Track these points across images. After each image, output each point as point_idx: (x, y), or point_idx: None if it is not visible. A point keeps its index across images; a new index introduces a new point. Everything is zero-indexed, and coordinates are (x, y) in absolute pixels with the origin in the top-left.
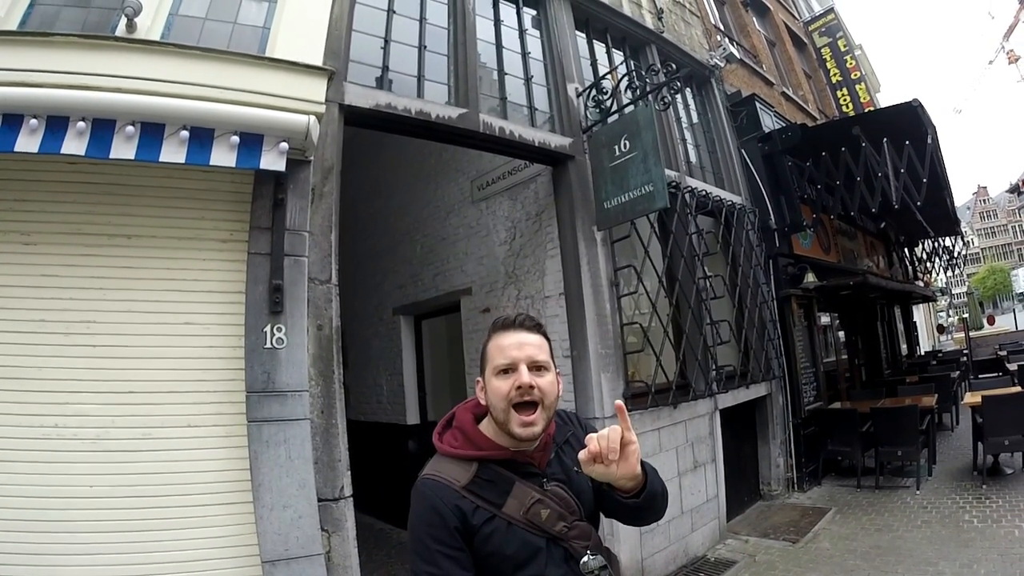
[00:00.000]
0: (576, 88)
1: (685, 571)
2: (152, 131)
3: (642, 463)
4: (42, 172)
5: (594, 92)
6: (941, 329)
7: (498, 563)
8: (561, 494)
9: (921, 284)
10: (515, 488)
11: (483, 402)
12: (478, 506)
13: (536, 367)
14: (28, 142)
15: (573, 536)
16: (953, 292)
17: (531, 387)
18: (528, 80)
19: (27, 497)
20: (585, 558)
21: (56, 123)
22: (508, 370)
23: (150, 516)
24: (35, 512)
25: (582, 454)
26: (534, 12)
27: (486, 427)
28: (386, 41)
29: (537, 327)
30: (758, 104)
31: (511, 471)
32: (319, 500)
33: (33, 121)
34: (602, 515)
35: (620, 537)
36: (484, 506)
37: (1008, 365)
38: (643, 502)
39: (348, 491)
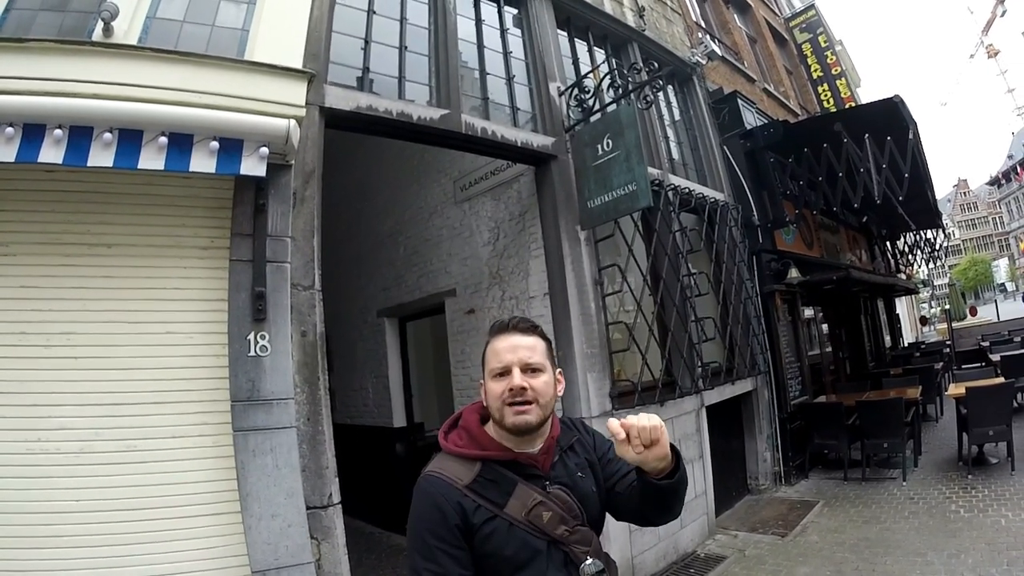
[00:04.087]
0: (558, 87)
1: (675, 567)
2: (130, 138)
3: (672, 446)
4: (19, 181)
5: (576, 91)
6: (924, 321)
7: (496, 564)
8: (564, 498)
9: (903, 277)
10: (517, 489)
11: (485, 403)
12: (480, 505)
13: (530, 369)
14: (4, 151)
15: (574, 541)
16: (935, 284)
17: (523, 388)
18: (510, 80)
19: (11, 513)
20: (585, 563)
21: (32, 131)
22: (503, 373)
23: (137, 529)
24: (19, 528)
25: (616, 442)
26: (515, 11)
27: (491, 428)
28: (366, 42)
29: (532, 329)
30: (740, 101)
31: (514, 472)
32: (308, 508)
33: (9, 129)
34: (612, 517)
35: (610, 536)
36: (486, 505)
37: (991, 355)
38: (677, 483)
39: (336, 498)
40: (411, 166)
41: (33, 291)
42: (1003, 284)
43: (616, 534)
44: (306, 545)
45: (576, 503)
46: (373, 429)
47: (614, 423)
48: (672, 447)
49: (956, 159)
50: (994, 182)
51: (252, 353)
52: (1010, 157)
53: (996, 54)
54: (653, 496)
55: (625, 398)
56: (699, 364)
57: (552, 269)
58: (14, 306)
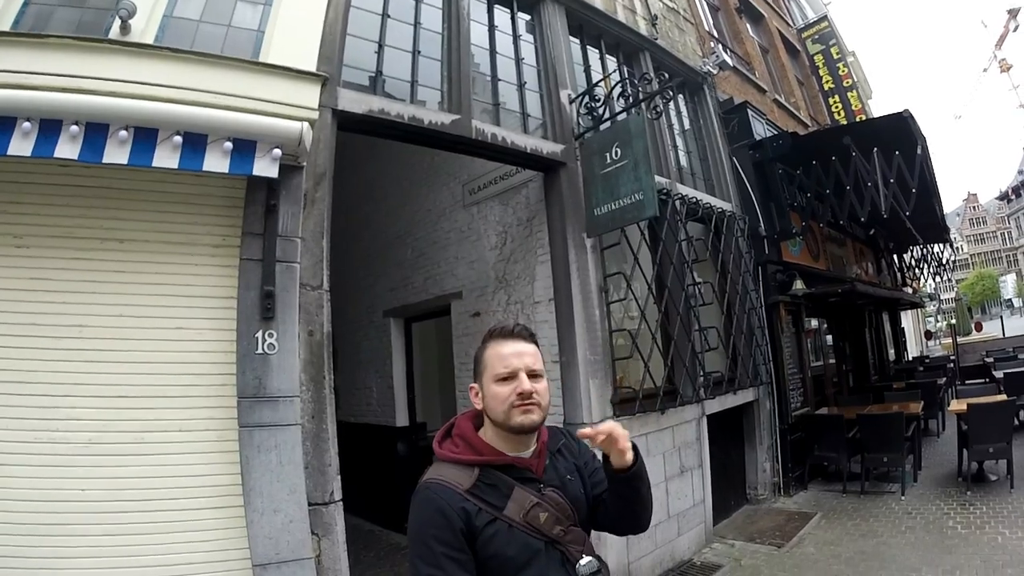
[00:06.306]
0: (569, 94)
1: (671, 575)
2: (145, 136)
3: (636, 451)
4: (34, 175)
5: (587, 99)
6: (929, 335)
7: (500, 565)
8: (557, 499)
9: (909, 290)
10: (515, 492)
11: (479, 407)
12: (481, 508)
13: (533, 375)
14: (21, 145)
15: (569, 540)
16: (941, 298)
17: (532, 393)
18: (521, 86)
19: (19, 501)
20: (582, 561)
21: (49, 126)
22: (509, 377)
23: (142, 520)
24: (27, 516)
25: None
26: (528, 17)
27: (485, 433)
28: (380, 46)
29: (531, 336)
30: (750, 112)
31: (510, 476)
32: (309, 504)
33: (26, 124)
34: (593, 529)
35: (607, 542)
36: (486, 509)
37: (994, 372)
38: (631, 477)
39: (338, 495)
40: (421, 169)
41: (45, 283)
42: (1010, 300)
43: (613, 540)
44: (307, 541)
45: (568, 504)
46: (376, 428)
47: (586, 432)
48: (636, 450)
49: (966, 172)
50: (1004, 197)
51: (260, 351)
52: (1020, 172)
53: (1009, 68)
54: (617, 489)
55: (626, 405)
56: (701, 373)
57: (558, 275)
58: (26, 298)
